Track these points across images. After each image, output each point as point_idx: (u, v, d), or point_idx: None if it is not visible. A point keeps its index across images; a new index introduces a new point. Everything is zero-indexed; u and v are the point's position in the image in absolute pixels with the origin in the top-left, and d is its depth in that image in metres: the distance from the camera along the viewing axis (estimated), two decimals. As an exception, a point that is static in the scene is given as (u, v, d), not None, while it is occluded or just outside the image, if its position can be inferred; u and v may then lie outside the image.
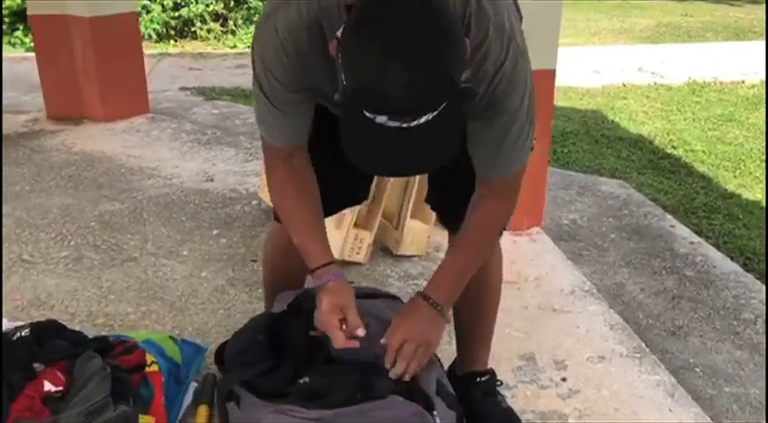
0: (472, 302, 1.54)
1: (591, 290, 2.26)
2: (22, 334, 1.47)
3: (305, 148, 1.36)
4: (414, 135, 1.01)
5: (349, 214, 2.32)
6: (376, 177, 2.40)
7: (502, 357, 1.86)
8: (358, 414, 1.27)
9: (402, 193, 2.42)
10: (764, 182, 3.75)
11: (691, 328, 2.23)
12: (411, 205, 2.40)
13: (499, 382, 1.63)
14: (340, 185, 1.45)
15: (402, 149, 1.03)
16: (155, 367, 1.58)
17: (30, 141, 3.61)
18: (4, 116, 4.02)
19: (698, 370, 2.05)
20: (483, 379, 1.61)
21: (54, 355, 1.45)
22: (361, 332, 1.29)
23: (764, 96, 5.44)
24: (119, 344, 1.59)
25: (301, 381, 1.37)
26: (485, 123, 1.22)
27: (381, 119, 1.00)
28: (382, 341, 1.33)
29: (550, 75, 2.48)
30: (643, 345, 1.97)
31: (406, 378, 1.31)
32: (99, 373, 1.42)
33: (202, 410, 1.59)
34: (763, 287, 2.53)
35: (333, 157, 1.25)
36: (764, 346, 2.19)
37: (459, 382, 1.61)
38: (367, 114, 1.00)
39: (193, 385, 1.66)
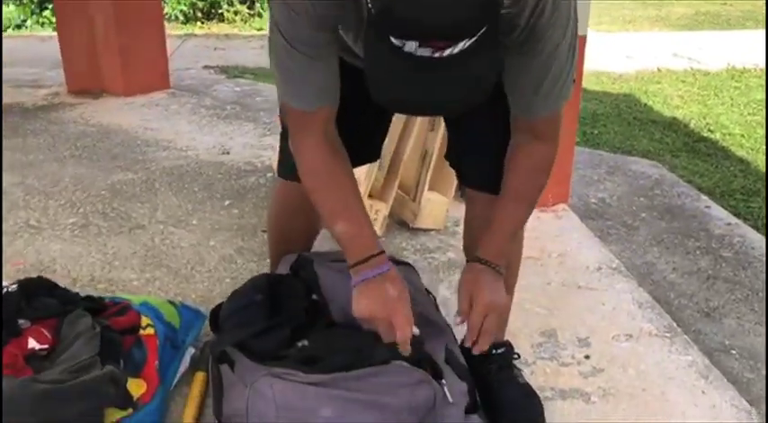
0: None
1: (619, 267, 2.12)
2: (9, 290, 1.39)
3: (335, 115, 1.21)
4: (446, 66, 0.89)
5: (363, 183, 2.21)
6: (393, 145, 2.30)
7: (521, 333, 1.75)
8: (358, 380, 1.17)
9: (420, 164, 2.31)
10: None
11: (727, 309, 2.09)
12: (429, 176, 2.29)
13: (516, 355, 1.52)
14: (350, 141, 1.34)
15: (432, 83, 0.91)
16: (150, 330, 1.49)
17: (48, 114, 3.57)
18: (24, 90, 4.02)
19: (734, 352, 1.90)
20: (499, 351, 1.49)
21: (41, 313, 1.37)
22: (416, 330, 1.21)
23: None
24: (113, 305, 1.51)
25: (299, 344, 1.28)
26: (525, 58, 1.10)
27: (411, 46, 0.88)
28: (456, 320, 1.29)
29: (581, 40, 2.34)
30: (674, 324, 1.84)
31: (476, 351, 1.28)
32: (87, 333, 1.34)
33: (199, 377, 1.51)
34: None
35: (344, 108, 1.14)
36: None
37: (473, 355, 1.50)
38: (394, 42, 0.88)
39: (191, 351, 1.57)
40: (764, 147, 3.88)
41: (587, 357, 1.68)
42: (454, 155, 1.46)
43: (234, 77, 4.73)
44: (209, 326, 1.54)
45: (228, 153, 3.04)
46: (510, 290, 1.52)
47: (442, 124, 2.25)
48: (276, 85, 1.23)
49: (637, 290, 2.00)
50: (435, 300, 1.56)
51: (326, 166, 1.22)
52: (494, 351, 1.49)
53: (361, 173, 2.21)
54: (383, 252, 1.23)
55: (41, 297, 1.41)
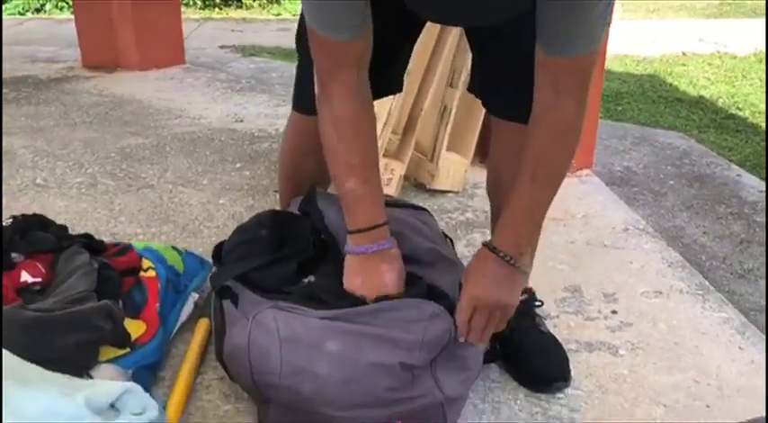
0: None
1: (646, 229, 2.02)
2: (3, 224, 1.32)
3: (369, 56, 1.10)
4: None
5: (378, 141, 2.12)
6: (410, 100, 2.20)
7: (543, 289, 1.63)
8: (368, 314, 1.08)
9: (438, 123, 2.22)
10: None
11: (762, 271, 1.97)
12: (448, 135, 2.19)
13: (539, 303, 1.42)
14: (372, 67, 1.25)
15: None
16: (151, 273, 1.42)
17: (61, 85, 3.52)
18: (38, 65, 3.98)
19: (771, 313, 1.79)
20: (520, 298, 1.39)
21: (36, 247, 1.30)
22: None
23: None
24: (112, 246, 1.44)
25: (306, 280, 1.19)
26: None
27: None
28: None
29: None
30: (707, 282, 1.73)
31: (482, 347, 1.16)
32: (84, 268, 1.27)
33: (203, 323, 1.43)
34: None
35: None
36: None
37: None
38: None
39: (194, 296, 1.49)
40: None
41: (614, 312, 1.58)
42: (479, 81, 1.36)
43: (250, 55, 4.67)
44: (212, 262, 1.46)
45: (242, 121, 2.97)
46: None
47: (462, 79, 2.16)
48: (304, 8, 1.12)
49: (666, 249, 1.89)
50: (453, 244, 1.47)
51: (355, 117, 1.11)
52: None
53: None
54: (386, 223, 1.13)
55: (36, 232, 1.33)
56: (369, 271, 1.12)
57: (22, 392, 0.83)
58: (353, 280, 1.13)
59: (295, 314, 1.08)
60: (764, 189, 2.53)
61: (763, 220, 2.29)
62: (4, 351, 0.93)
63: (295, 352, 1.05)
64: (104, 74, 3.77)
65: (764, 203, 2.38)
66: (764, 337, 1.51)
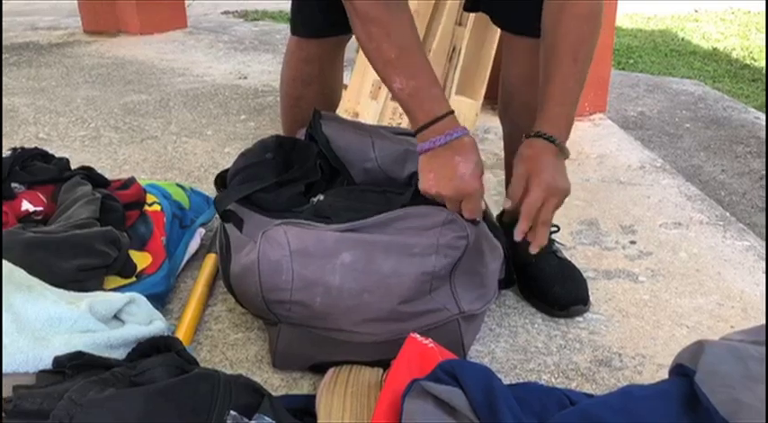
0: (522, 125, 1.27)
1: (663, 166, 1.96)
2: (3, 156, 1.28)
3: None
4: None
5: (384, 86, 2.07)
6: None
7: (558, 223, 1.60)
8: (381, 224, 1.04)
9: (447, 63, 2.16)
10: None
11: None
12: (457, 77, 2.14)
13: (555, 228, 1.37)
14: None
15: None
16: (156, 207, 1.38)
17: (62, 49, 3.47)
18: (39, 32, 3.94)
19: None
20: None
21: (37, 178, 1.27)
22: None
23: None
24: (115, 181, 1.40)
25: (315, 199, 1.15)
26: None
27: None
28: (506, 203, 1.07)
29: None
30: (727, 214, 1.68)
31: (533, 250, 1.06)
32: (86, 197, 1.23)
33: (210, 258, 1.39)
34: None
35: None
36: None
37: (506, 229, 1.36)
38: None
39: (201, 232, 1.46)
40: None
41: (632, 242, 1.54)
42: None
43: (253, 20, 4.60)
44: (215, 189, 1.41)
45: (246, 78, 2.92)
46: None
47: (471, 17, 2.10)
48: None
49: (684, 184, 1.84)
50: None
51: (386, 8, 1.02)
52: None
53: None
54: (452, 112, 1.05)
55: (37, 163, 1.30)
56: (442, 166, 1.02)
57: (24, 297, 0.80)
58: (427, 178, 1.03)
59: (306, 229, 1.04)
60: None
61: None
62: (5, 262, 0.89)
63: (307, 264, 1.01)
64: (106, 38, 3.72)
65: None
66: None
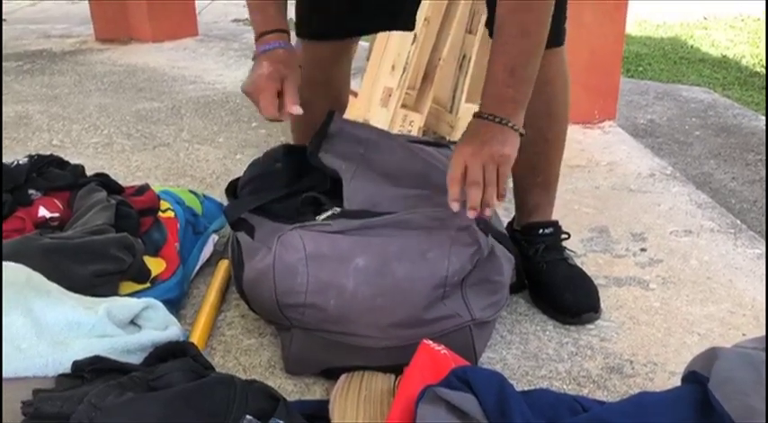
0: (529, 137, 1.27)
1: (674, 174, 1.97)
2: (20, 162, 1.30)
3: None
4: None
5: (396, 92, 2.09)
6: (427, 49, 2.15)
7: (568, 230, 1.61)
8: (394, 223, 1.05)
9: (457, 71, 2.17)
10: None
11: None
12: (467, 86, 2.15)
13: (566, 235, 1.38)
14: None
15: None
16: (170, 213, 1.40)
17: (75, 57, 3.51)
18: (52, 40, 3.98)
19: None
20: (546, 231, 1.36)
21: (53, 184, 1.28)
22: (296, 110, 1.07)
23: None
24: (129, 187, 1.42)
25: (330, 212, 1.16)
26: None
27: None
28: (451, 203, 1.00)
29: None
30: (738, 221, 1.68)
31: (488, 213, 0.99)
32: (102, 204, 1.24)
33: (223, 264, 1.41)
34: None
35: None
36: None
37: (517, 237, 1.37)
38: None
39: (214, 238, 1.47)
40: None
41: (643, 250, 1.54)
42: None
43: (263, 28, 4.64)
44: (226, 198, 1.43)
45: (257, 85, 2.94)
46: (555, 158, 1.36)
47: (481, 23, 2.11)
48: None
49: (695, 192, 1.84)
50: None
51: None
52: (540, 231, 1.36)
53: (393, 82, 2.09)
54: (282, 31, 1.13)
55: (53, 170, 1.31)
56: (254, 69, 1.12)
57: (44, 302, 0.81)
58: (246, 82, 1.13)
59: (320, 233, 1.05)
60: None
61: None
62: (23, 267, 0.91)
63: (322, 267, 1.02)
64: (118, 46, 3.75)
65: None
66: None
